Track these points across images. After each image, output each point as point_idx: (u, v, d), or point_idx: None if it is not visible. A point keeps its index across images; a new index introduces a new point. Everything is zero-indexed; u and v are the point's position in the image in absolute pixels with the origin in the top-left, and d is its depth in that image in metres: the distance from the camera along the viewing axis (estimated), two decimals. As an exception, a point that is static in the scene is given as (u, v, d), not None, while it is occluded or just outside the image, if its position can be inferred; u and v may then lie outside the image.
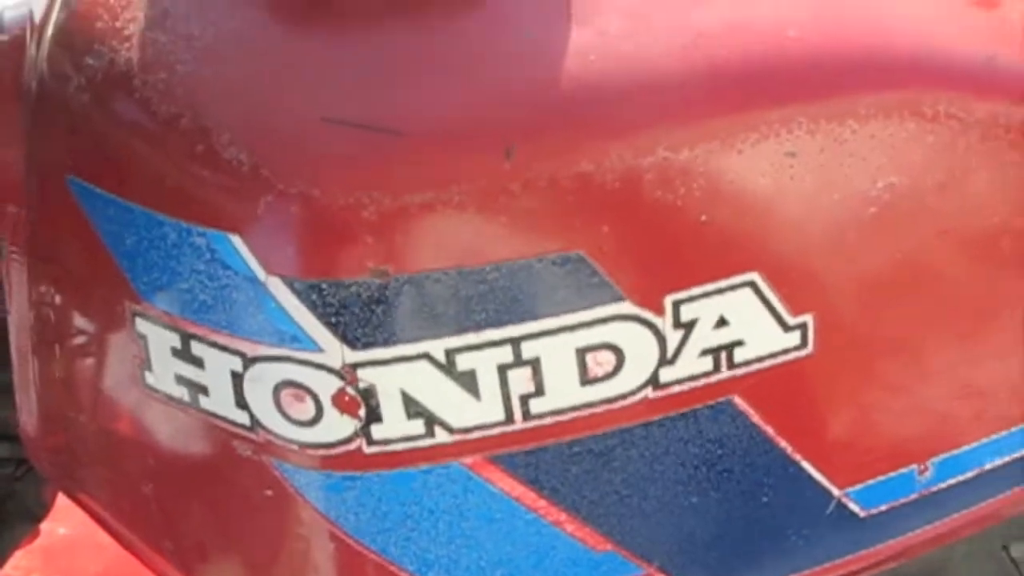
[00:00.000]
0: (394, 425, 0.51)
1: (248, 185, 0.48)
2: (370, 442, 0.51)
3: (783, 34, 0.51)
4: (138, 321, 0.53)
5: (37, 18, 0.57)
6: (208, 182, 0.49)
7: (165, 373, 0.53)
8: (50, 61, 0.55)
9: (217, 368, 0.52)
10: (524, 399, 0.51)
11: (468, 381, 0.50)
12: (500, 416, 0.51)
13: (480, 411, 0.51)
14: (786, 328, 0.52)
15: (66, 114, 0.54)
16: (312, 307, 0.49)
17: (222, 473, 0.55)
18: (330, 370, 0.50)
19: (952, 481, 0.59)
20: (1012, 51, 0.54)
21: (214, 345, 0.51)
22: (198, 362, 0.52)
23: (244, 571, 0.58)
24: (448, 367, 0.50)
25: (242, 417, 0.52)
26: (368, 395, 0.50)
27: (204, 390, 0.53)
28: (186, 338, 0.52)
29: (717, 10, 0.51)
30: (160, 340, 0.53)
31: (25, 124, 0.56)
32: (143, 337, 0.53)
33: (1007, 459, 0.60)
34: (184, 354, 0.52)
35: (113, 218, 0.52)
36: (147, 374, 0.54)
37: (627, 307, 0.50)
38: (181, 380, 0.53)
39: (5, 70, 0.57)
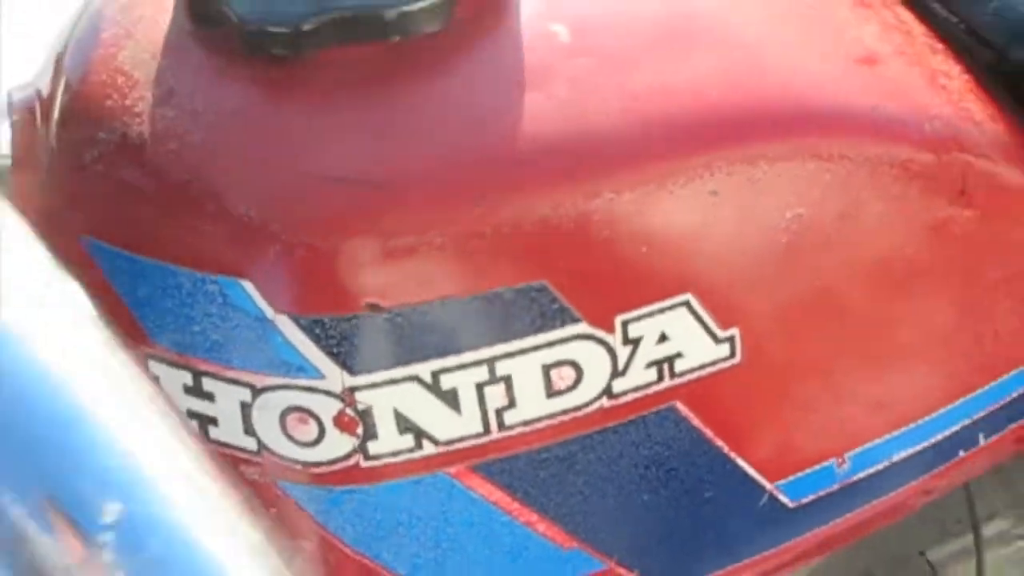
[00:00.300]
0: (388, 441, 0.57)
1: (257, 237, 0.55)
2: (367, 457, 0.57)
3: (703, 93, 0.59)
4: (151, 363, 0.59)
5: (44, 95, 0.64)
6: (220, 235, 0.56)
7: (176, 409, 0.60)
8: (59, 136, 0.61)
9: (227, 401, 0.58)
10: (499, 412, 0.57)
11: (451, 398, 0.57)
12: (479, 428, 0.58)
13: (461, 424, 0.57)
14: (717, 340, 0.60)
15: (79, 183, 0.60)
16: (316, 340, 0.55)
17: (229, 497, 0.61)
18: (331, 394, 0.56)
19: (866, 472, 0.66)
20: (891, 101, 0.63)
21: (225, 380, 0.57)
22: (209, 396, 0.58)
23: None
24: (434, 386, 0.56)
25: (250, 443, 0.58)
26: (365, 415, 0.56)
27: (214, 421, 0.58)
28: (197, 375, 0.58)
29: (648, 76, 0.59)
30: (172, 379, 0.58)
31: (39, 194, 0.62)
32: (155, 378, 0.59)
33: (911, 451, 0.67)
34: (196, 390, 0.58)
35: (127, 271, 0.58)
36: (158, 412, 0.60)
37: (584, 327, 0.57)
38: (192, 414, 0.59)
39: (19, 147, 0.64)
